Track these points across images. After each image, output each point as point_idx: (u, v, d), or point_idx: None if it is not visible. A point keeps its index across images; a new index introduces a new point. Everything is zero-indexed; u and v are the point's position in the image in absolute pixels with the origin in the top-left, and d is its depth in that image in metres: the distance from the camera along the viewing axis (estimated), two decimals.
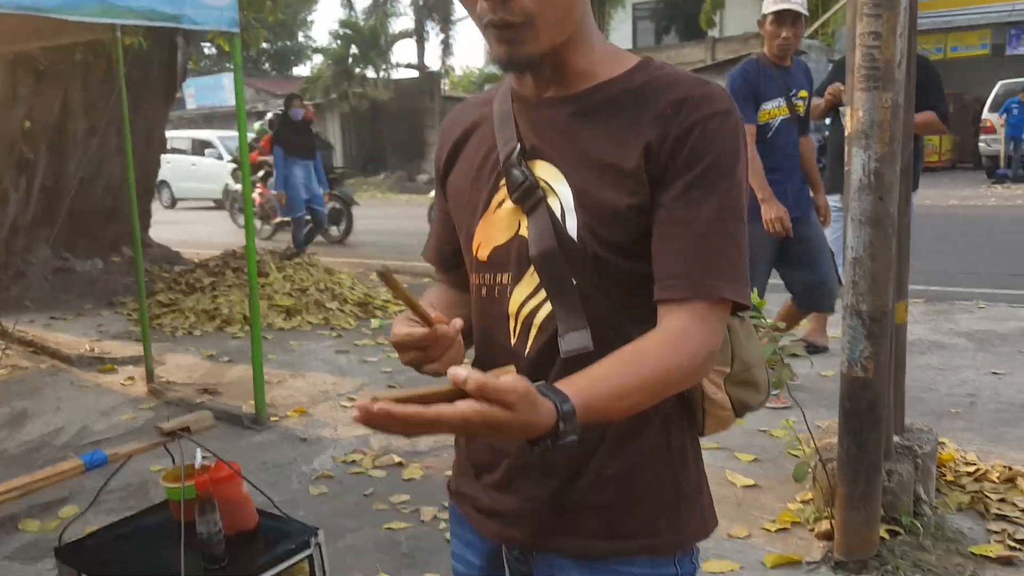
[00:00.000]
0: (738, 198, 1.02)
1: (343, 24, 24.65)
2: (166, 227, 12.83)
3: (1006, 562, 2.61)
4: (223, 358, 5.54)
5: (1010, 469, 3.15)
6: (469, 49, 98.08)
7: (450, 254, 1.26)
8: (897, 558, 2.61)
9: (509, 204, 1.10)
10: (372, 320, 6.49)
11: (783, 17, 3.89)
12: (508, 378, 0.81)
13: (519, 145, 1.09)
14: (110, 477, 1.78)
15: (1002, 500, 2.98)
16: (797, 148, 4.07)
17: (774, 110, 3.95)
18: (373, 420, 0.79)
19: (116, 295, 7.38)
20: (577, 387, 0.89)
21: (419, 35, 26.02)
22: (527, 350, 1.09)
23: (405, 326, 1.09)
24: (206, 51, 32.20)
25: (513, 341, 1.11)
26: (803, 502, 3.08)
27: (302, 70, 37.19)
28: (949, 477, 3.16)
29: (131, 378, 5.14)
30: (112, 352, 5.70)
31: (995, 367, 4.59)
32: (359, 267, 8.66)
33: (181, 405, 4.59)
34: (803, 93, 4.07)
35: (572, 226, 1.05)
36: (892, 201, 2.39)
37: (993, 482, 3.11)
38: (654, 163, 1.01)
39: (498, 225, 1.12)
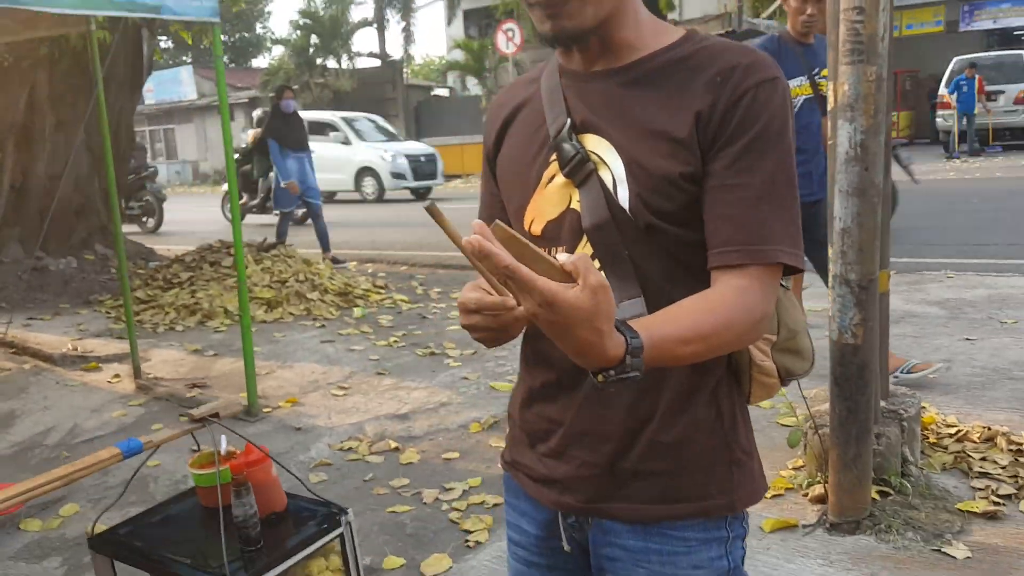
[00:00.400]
0: (790, 164, 1.05)
1: (303, 14, 24.43)
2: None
3: (991, 516, 2.73)
4: (208, 352, 5.54)
5: (989, 429, 3.28)
6: (430, 37, 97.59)
7: None
8: (889, 517, 2.72)
9: (560, 179, 1.12)
10: (355, 309, 6.50)
11: None
12: (600, 275, 0.83)
13: (569, 120, 1.11)
14: (140, 466, 1.81)
15: (983, 459, 3.11)
16: (820, 129, 3.85)
17: (795, 89, 3.83)
18: (474, 247, 0.80)
19: (92, 293, 7.31)
20: (647, 326, 0.92)
21: (380, 24, 25.87)
22: None
23: (476, 291, 1.04)
24: (161, 44, 31.66)
25: None
26: (795, 468, 3.19)
27: (261, 62, 36.78)
28: (932, 439, 3.28)
29: (117, 375, 5.12)
30: (95, 350, 5.67)
31: (967, 333, 4.74)
32: (341, 258, 8.66)
33: (171, 400, 4.60)
34: (826, 72, 3.93)
35: (624, 197, 1.07)
36: (877, 171, 2.49)
37: (974, 442, 3.24)
38: (704, 131, 1.03)
39: (550, 199, 1.14)
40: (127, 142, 8.74)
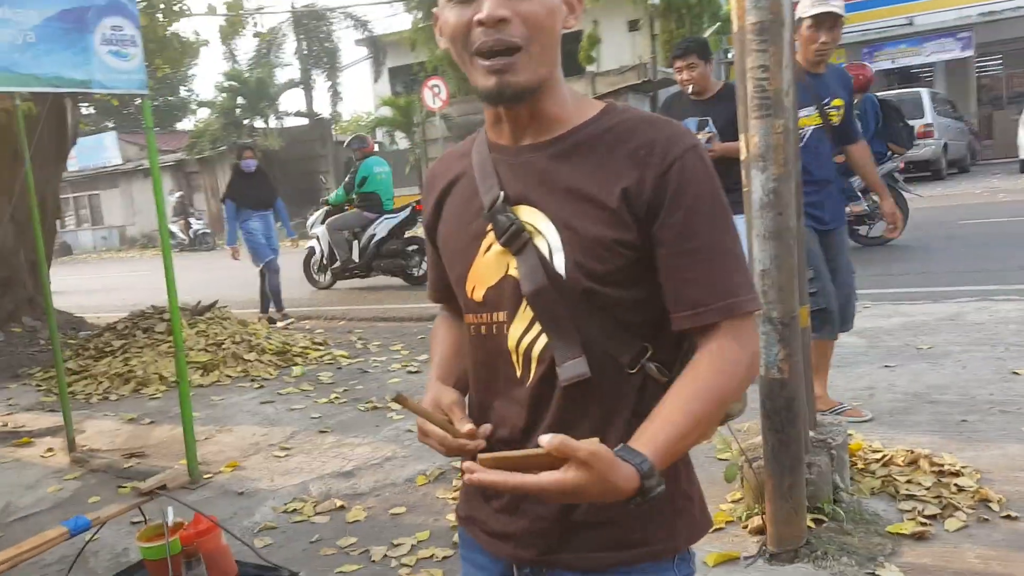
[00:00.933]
0: (730, 218, 1.15)
1: (228, 76, 24.37)
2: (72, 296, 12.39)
3: (919, 537, 2.87)
4: (144, 420, 5.44)
5: (912, 452, 3.44)
6: (357, 94, 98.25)
7: (443, 290, 1.38)
8: (825, 543, 2.84)
9: (497, 247, 1.19)
10: (294, 368, 6.47)
11: (822, 21, 3.70)
12: (586, 441, 0.95)
13: (502, 192, 1.19)
14: (85, 544, 1.80)
15: (908, 481, 3.26)
16: (831, 158, 3.95)
17: (803, 119, 3.73)
18: (474, 484, 1.01)
19: (21, 367, 7.13)
20: (650, 440, 1.03)
21: (307, 84, 25.96)
22: (530, 381, 1.18)
23: (436, 429, 1.20)
24: (83, 111, 31.17)
25: (519, 372, 1.19)
26: (733, 502, 3.29)
27: (186, 124, 36.44)
28: (860, 465, 3.43)
29: (50, 449, 5.00)
30: (27, 425, 5.52)
31: (886, 361, 4.96)
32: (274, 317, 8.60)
33: (108, 472, 4.50)
34: (837, 102, 3.90)
35: (560, 263, 1.14)
36: (790, 216, 2.65)
37: (899, 466, 3.40)
38: (635, 204, 1.11)
39: (488, 267, 1.21)
40: (53, 212, 8.60)
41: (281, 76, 26.08)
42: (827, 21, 3.69)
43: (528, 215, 1.17)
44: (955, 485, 3.17)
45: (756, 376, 1.19)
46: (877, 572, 2.68)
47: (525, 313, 1.18)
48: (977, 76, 23.00)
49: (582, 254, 1.13)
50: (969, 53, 20.74)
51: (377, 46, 25.39)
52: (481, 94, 1.15)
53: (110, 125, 33.71)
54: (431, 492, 3.89)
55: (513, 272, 1.18)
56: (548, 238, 1.15)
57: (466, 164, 1.27)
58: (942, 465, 3.34)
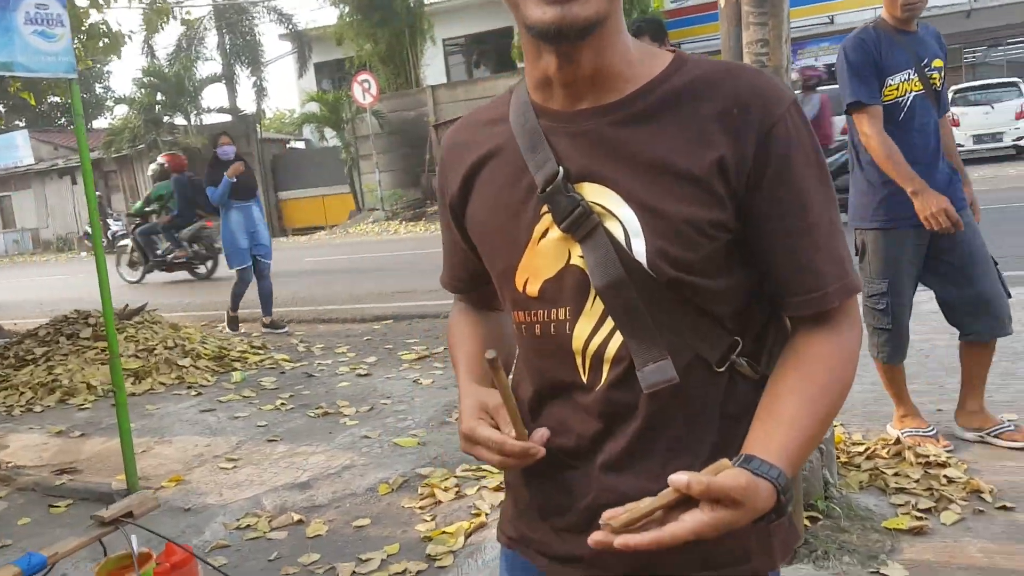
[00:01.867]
0: (831, 182, 1.01)
1: (147, 72, 23.43)
2: None
3: (917, 532, 2.78)
4: (74, 432, 5.05)
5: (898, 443, 3.38)
6: (281, 90, 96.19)
7: (467, 279, 1.20)
8: (823, 542, 2.73)
9: (556, 233, 1.01)
10: (233, 373, 6.13)
11: None
12: (730, 475, 0.82)
13: (561, 168, 0.99)
14: None
15: (896, 474, 3.19)
16: (938, 130, 3.33)
17: (904, 84, 3.24)
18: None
19: None
20: (782, 449, 0.90)
21: (229, 79, 25.18)
22: (599, 386, 1.02)
23: (487, 429, 1.02)
24: None
25: (585, 377, 1.03)
26: None
27: (102, 123, 34.98)
28: (843, 459, 3.35)
29: None
30: None
31: None
32: (203, 320, 8.20)
33: (37, 490, 4.14)
34: (938, 62, 3.31)
35: (640, 251, 0.97)
36: None
37: (884, 458, 3.32)
38: (734, 177, 0.95)
39: (544, 257, 1.03)
40: None
41: (202, 71, 25.25)
42: None
43: (595, 194, 0.99)
44: (944, 477, 3.10)
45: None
46: (881, 570, 2.57)
47: (593, 309, 1.00)
48: None
49: (667, 239, 0.95)
50: None
51: (302, 41, 24.80)
52: (534, 30, 0.93)
53: (20, 124, 32.13)
54: (396, 502, 3.67)
55: (577, 261, 1.00)
56: (624, 221, 0.97)
57: (502, 133, 1.07)
58: (927, 456, 3.28)
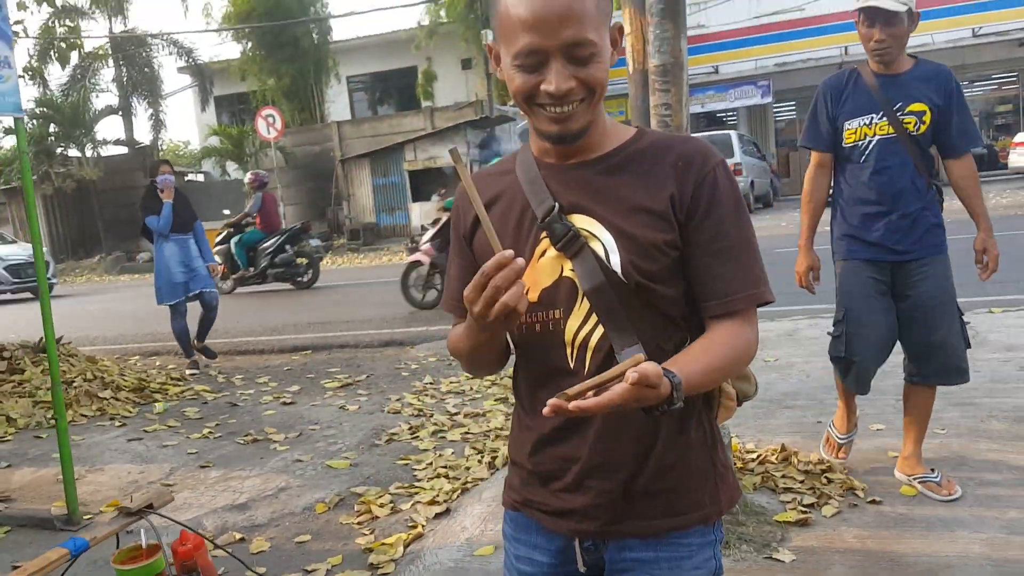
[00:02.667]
0: (748, 218, 1.35)
1: (39, 103, 22.69)
2: None
3: (803, 524, 3.23)
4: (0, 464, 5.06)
5: (784, 450, 3.86)
6: (180, 123, 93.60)
7: None
8: (725, 534, 3.14)
9: (552, 252, 1.33)
10: (155, 404, 6.19)
11: (872, 16, 3.17)
12: (650, 364, 1.10)
13: (556, 204, 1.33)
14: (70, 564, 1.76)
15: (784, 476, 3.65)
16: (909, 174, 3.26)
17: (863, 128, 3.27)
18: (566, 414, 1.11)
19: None
20: (679, 366, 1.20)
21: (126, 111, 24.64)
22: (586, 369, 1.32)
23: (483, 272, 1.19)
24: None
25: (572, 364, 1.33)
26: None
27: None
28: (739, 465, 3.80)
29: None
30: None
31: None
32: (115, 353, 8.16)
33: None
34: (917, 106, 3.21)
35: (616, 263, 1.29)
36: None
37: (773, 463, 3.79)
38: (679, 209, 1.30)
39: (543, 271, 1.34)
40: None
41: (98, 103, 24.64)
42: (879, 16, 3.14)
43: (582, 222, 1.33)
44: (825, 477, 3.59)
45: (751, 360, 1.38)
46: (773, 556, 3.00)
47: (581, 309, 1.32)
48: (775, 120, 25.32)
49: (636, 254, 1.29)
50: (768, 100, 22.83)
51: (203, 74, 24.56)
52: (543, 136, 1.32)
53: None
54: (333, 519, 3.91)
55: (569, 273, 1.32)
56: (603, 241, 1.31)
57: (508, 182, 1.41)
58: (809, 461, 3.76)
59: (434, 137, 20.85)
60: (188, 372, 7.31)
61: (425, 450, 4.64)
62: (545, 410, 1.12)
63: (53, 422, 5.62)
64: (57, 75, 22.20)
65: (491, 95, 21.93)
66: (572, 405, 1.11)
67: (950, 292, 3.32)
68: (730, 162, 18.31)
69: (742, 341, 1.31)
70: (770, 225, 16.12)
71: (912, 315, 3.32)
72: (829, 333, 3.54)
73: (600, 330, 1.32)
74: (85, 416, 5.96)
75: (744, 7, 22.14)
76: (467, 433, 4.88)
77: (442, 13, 24.22)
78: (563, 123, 1.28)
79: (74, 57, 21.41)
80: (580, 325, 1.33)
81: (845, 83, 3.36)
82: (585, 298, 1.32)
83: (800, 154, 24.87)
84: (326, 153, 22.64)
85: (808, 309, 7.15)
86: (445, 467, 4.33)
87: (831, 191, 3.53)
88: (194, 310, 7.44)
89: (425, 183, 20.55)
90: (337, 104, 26.91)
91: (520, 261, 1.15)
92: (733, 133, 19.70)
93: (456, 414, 5.32)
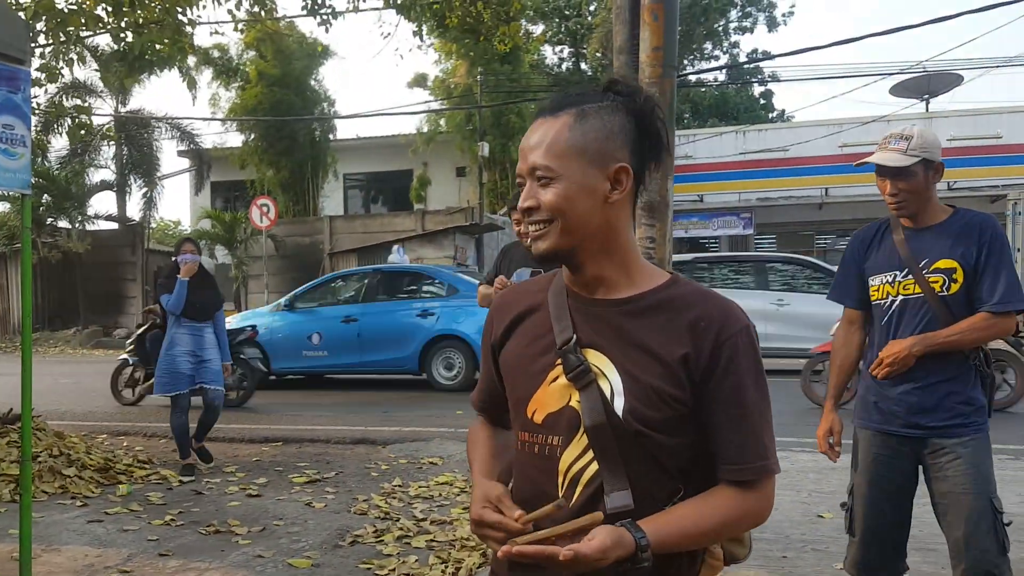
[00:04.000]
0: (766, 386, 1.39)
1: (35, 173, 22.96)
2: None
3: None
4: None
5: None
6: (174, 204, 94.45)
7: (491, 402, 1.60)
8: None
9: (563, 380, 1.38)
10: (119, 486, 6.11)
11: (880, 169, 2.91)
12: (592, 546, 1.23)
13: (575, 335, 1.39)
14: None
15: None
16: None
17: (886, 287, 2.93)
18: (526, 559, 1.25)
19: None
20: (657, 525, 1.28)
21: (121, 188, 24.97)
22: (573, 501, 1.36)
23: (493, 514, 1.35)
24: None
25: (561, 492, 1.38)
26: None
27: None
28: None
29: None
30: None
31: None
32: (83, 429, 8.05)
33: None
34: (946, 263, 2.84)
35: (619, 406, 1.34)
36: None
37: None
38: (694, 369, 1.33)
39: (552, 395, 1.40)
40: None
41: (94, 177, 24.95)
42: (887, 170, 2.88)
43: (595, 358, 1.38)
44: None
45: (762, 523, 1.42)
46: None
47: (580, 441, 1.37)
48: (756, 251, 25.96)
49: (639, 400, 1.33)
50: (750, 231, 23.49)
51: (202, 159, 25.04)
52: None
53: None
54: None
55: (575, 404, 1.38)
56: (612, 382, 1.36)
57: (541, 300, 1.48)
58: None
59: (423, 239, 21.22)
60: (182, 476, 6.44)
61: (389, 555, 4.60)
62: (499, 553, 1.24)
63: (14, 497, 5.56)
64: (57, 146, 22.50)
65: (482, 203, 22.44)
66: (516, 550, 1.24)
67: (982, 481, 2.76)
68: None
69: (741, 510, 1.35)
70: None
71: (936, 502, 2.86)
72: (842, 505, 3.10)
73: (595, 466, 1.36)
74: (46, 493, 5.87)
75: (731, 143, 23.05)
76: (432, 541, 4.85)
77: (441, 123, 25.01)
78: (533, 240, 1.39)
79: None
80: (577, 457, 1.38)
81: (873, 235, 3.03)
82: (585, 433, 1.37)
83: None
84: (316, 245, 22.88)
85: (780, 441, 7.19)
86: (408, 575, 4.30)
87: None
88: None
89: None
90: (332, 199, 27.41)
91: (516, 526, 1.31)
92: None
93: (423, 520, 5.29)
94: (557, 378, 1.40)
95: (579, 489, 1.37)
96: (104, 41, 16.91)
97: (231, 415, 9.50)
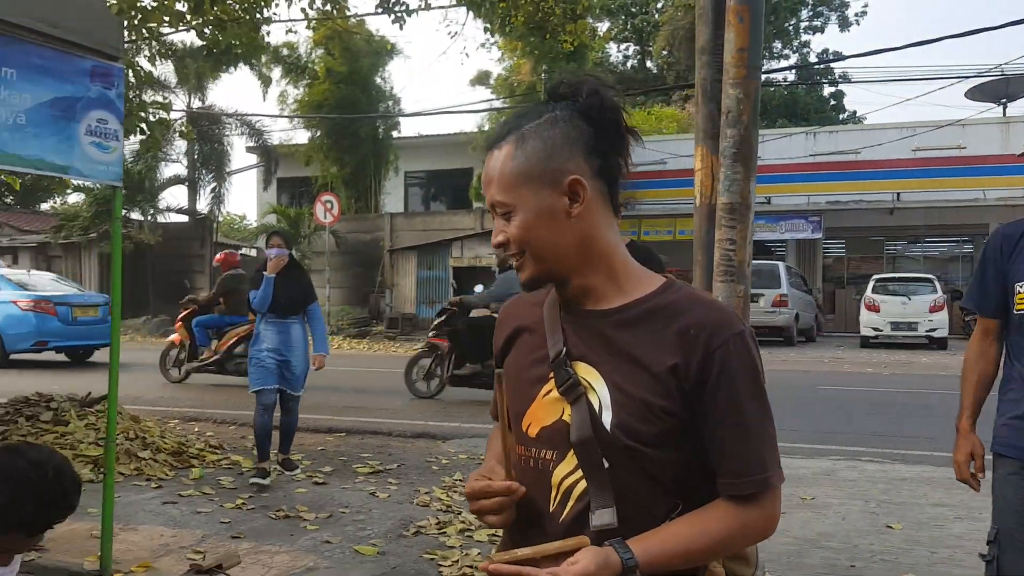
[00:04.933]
0: (764, 396, 1.30)
1: None
2: None
3: None
4: None
5: None
6: (241, 198, 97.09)
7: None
8: None
9: (555, 393, 1.35)
10: (192, 470, 6.30)
11: None
12: (588, 561, 1.21)
13: (564, 348, 1.35)
14: None
15: None
16: None
17: None
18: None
19: None
20: (647, 545, 1.24)
21: (192, 182, 25.65)
22: (563, 515, 1.33)
23: (482, 480, 1.37)
24: None
25: (552, 507, 1.34)
26: None
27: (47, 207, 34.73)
28: None
29: None
30: None
31: None
32: (156, 414, 8.32)
33: None
34: None
35: (607, 419, 1.29)
36: None
37: None
38: (684, 379, 1.27)
39: (546, 409, 1.36)
40: None
41: (167, 171, 25.69)
42: None
43: (585, 371, 1.34)
44: None
45: (768, 537, 1.35)
46: None
47: (572, 456, 1.33)
48: (823, 255, 25.47)
49: (628, 413, 1.28)
50: (819, 235, 23.03)
51: (270, 156, 25.59)
52: None
53: None
54: None
55: (567, 418, 1.34)
56: (600, 396, 1.31)
57: (538, 314, 1.44)
58: None
59: (482, 237, 21.40)
60: (252, 480, 6.05)
61: (452, 547, 4.66)
62: (479, 567, 1.23)
63: (92, 477, 5.77)
64: (130, 141, 23.20)
65: None
66: (493, 567, 1.23)
67: None
68: (775, 293, 18.73)
69: (740, 525, 1.29)
70: (812, 359, 16.08)
71: None
72: (981, 556, 2.54)
73: (585, 482, 1.33)
74: (123, 474, 6.08)
75: (800, 144, 22.64)
76: (494, 536, 4.90)
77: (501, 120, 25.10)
78: (518, 270, 1.38)
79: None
80: (570, 472, 1.34)
81: (1015, 238, 2.54)
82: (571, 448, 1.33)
83: (846, 292, 24.94)
84: (376, 242, 23.24)
85: (847, 451, 7.13)
86: (471, 567, 4.35)
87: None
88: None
89: (468, 280, 20.95)
90: (393, 196, 27.78)
91: (522, 489, 1.34)
92: (781, 264, 19.89)
93: None
94: (550, 392, 1.37)
95: (570, 504, 1.33)
96: (179, 38, 17.41)
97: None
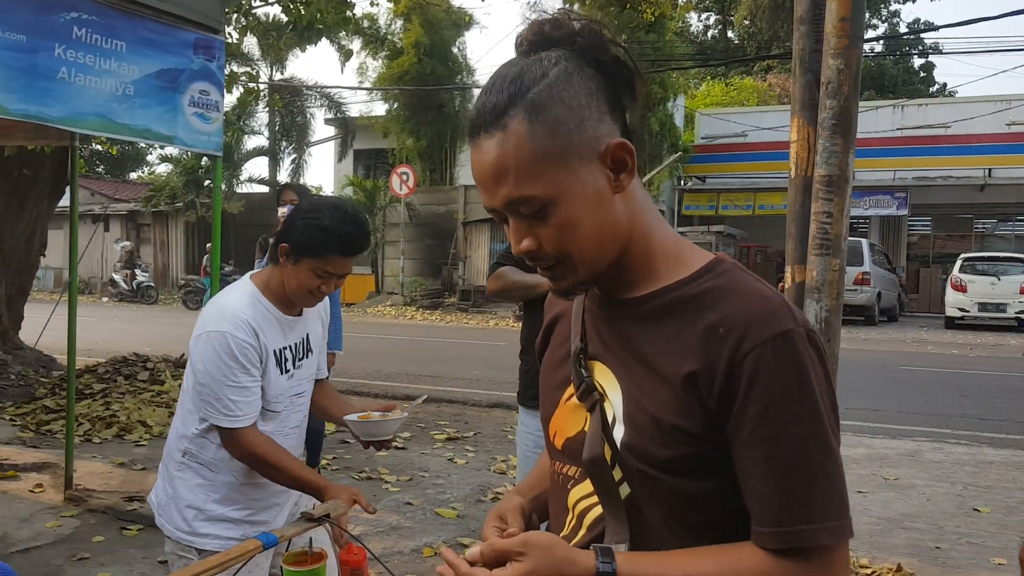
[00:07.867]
0: (822, 425, 0.95)
1: None
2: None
3: None
4: (136, 466, 5.45)
5: (900, 569, 3.79)
6: (319, 170, 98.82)
7: None
8: None
9: (575, 399, 1.10)
10: None
11: None
12: (514, 537, 0.97)
13: (581, 345, 1.11)
14: (243, 564, 1.97)
15: None
16: None
17: None
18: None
19: None
20: (633, 561, 0.97)
21: (273, 154, 26.26)
22: (574, 543, 1.07)
23: (489, 528, 1.15)
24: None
25: (566, 532, 1.11)
26: None
27: (134, 176, 36.04)
28: None
29: (39, 485, 4.97)
30: (10, 458, 5.46)
31: (858, 487, 5.35)
32: None
33: (109, 514, 4.52)
34: None
35: (619, 437, 1.02)
36: (837, 343, 3.04)
37: None
38: (706, 392, 0.97)
39: (569, 416, 1.12)
40: (39, 248, 8.58)
41: (250, 143, 26.36)
42: None
43: (600, 374, 1.08)
44: None
45: None
46: None
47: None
48: (908, 233, 24.69)
49: (639, 430, 1.01)
50: (904, 212, 22.31)
51: (347, 127, 25.98)
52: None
53: None
54: (439, 564, 4.04)
55: (587, 429, 1.07)
56: (614, 405, 1.05)
57: (570, 304, 1.21)
58: None
59: None
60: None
61: None
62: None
63: None
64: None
65: None
66: (442, 550, 1.06)
67: None
68: (858, 271, 18.23)
69: None
70: (894, 339, 15.66)
71: None
72: None
73: (600, 508, 1.07)
74: None
75: (887, 117, 21.89)
76: None
77: None
78: (551, 280, 1.08)
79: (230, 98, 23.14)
80: (585, 495, 1.09)
81: None
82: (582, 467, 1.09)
83: (931, 271, 24.12)
84: (449, 214, 23.41)
85: (933, 432, 6.96)
86: None
87: None
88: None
89: None
90: (466, 169, 27.88)
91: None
92: (864, 241, 19.32)
93: None
94: (571, 396, 1.12)
95: (582, 532, 1.08)
96: (263, 11, 17.75)
97: (372, 372, 9.95)
